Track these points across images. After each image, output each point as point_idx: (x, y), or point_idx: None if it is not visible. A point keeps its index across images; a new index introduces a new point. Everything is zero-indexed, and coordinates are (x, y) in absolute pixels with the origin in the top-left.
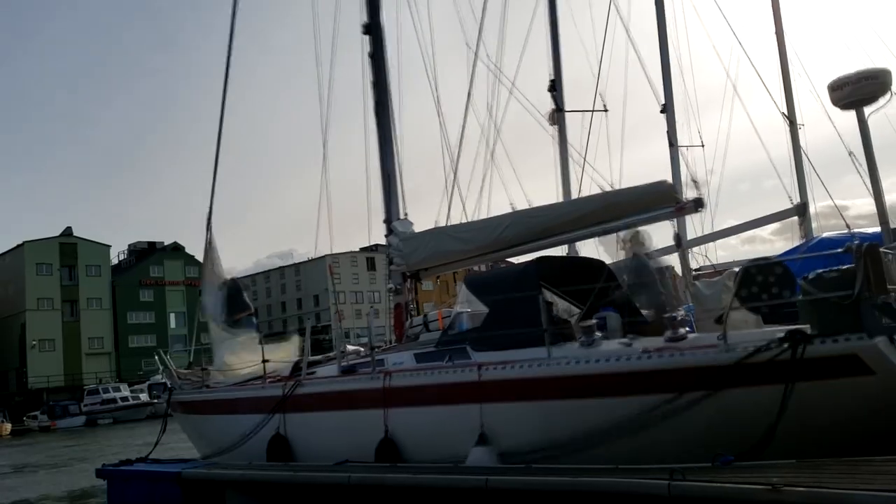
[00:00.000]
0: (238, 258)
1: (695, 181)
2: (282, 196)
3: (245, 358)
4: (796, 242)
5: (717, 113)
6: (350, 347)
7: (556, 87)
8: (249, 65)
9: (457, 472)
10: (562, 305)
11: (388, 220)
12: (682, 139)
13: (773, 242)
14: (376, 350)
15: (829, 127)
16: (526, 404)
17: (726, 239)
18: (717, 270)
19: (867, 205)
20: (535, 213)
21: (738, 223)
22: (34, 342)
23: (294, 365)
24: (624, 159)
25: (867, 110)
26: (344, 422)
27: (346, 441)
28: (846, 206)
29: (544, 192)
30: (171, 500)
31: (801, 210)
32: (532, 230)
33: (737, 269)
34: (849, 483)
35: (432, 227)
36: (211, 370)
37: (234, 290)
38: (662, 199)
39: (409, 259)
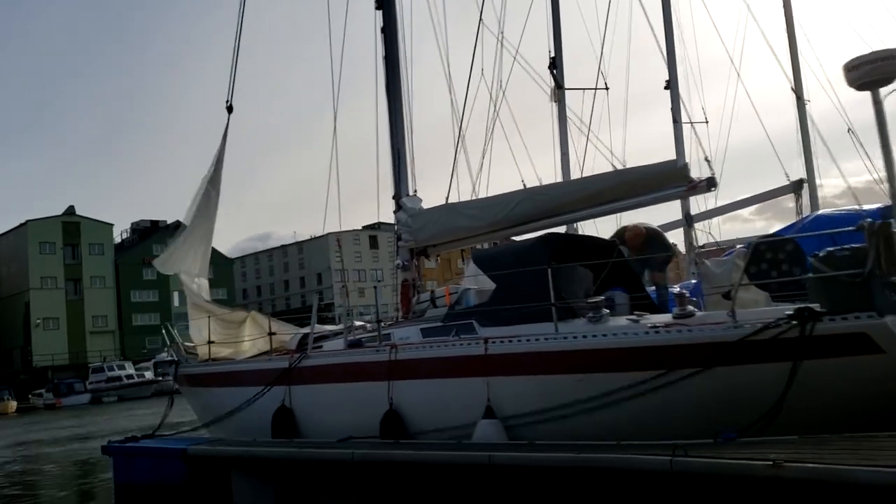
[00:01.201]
0: (215, 241)
1: (707, 160)
2: (258, 178)
3: (222, 334)
4: (776, 221)
5: (721, 87)
6: (357, 323)
7: (556, 65)
8: (248, 49)
9: (461, 448)
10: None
11: (398, 197)
12: (685, 114)
13: (753, 222)
14: (382, 325)
15: (821, 106)
16: (533, 378)
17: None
18: (721, 248)
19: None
20: (545, 190)
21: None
22: (38, 321)
23: (300, 339)
24: (629, 137)
25: (883, 91)
26: (349, 394)
27: (351, 414)
28: (820, 184)
29: (548, 167)
30: (176, 477)
31: (799, 186)
32: (542, 208)
33: (741, 246)
34: (851, 459)
35: (441, 203)
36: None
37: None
38: (675, 178)
39: (417, 235)
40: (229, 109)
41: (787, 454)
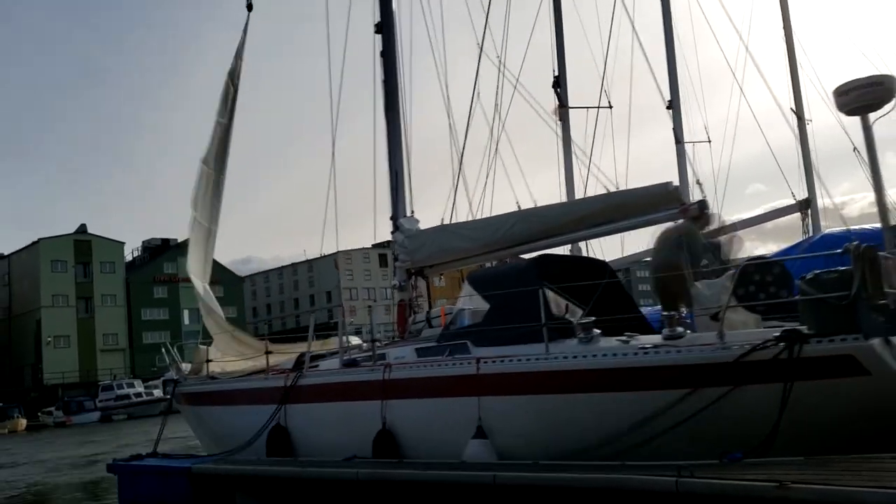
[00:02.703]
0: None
1: (699, 182)
2: (238, 202)
3: (247, 348)
4: (759, 242)
5: (724, 105)
6: (354, 340)
7: (560, 84)
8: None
9: (464, 468)
10: (562, 303)
11: (395, 218)
12: (687, 132)
13: None
14: (379, 345)
15: (829, 122)
16: (523, 398)
17: None
18: (726, 267)
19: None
20: (540, 212)
21: (742, 218)
22: (49, 338)
23: (297, 358)
24: (630, 154)
25: (872, 116)
26: (343, 413)
27: (345, 432)
28: (845, 202)
29: (548, 188)
30: (180, 495)
31: (805, 205)
32: (537, 229)
33: (731, 269)
34: (857, 481)
35: (438, 224)
36: (216, 361)
37: None
38: (666, 200)
39: (413, 256)
40: (249, 7)
41: (793, 475)
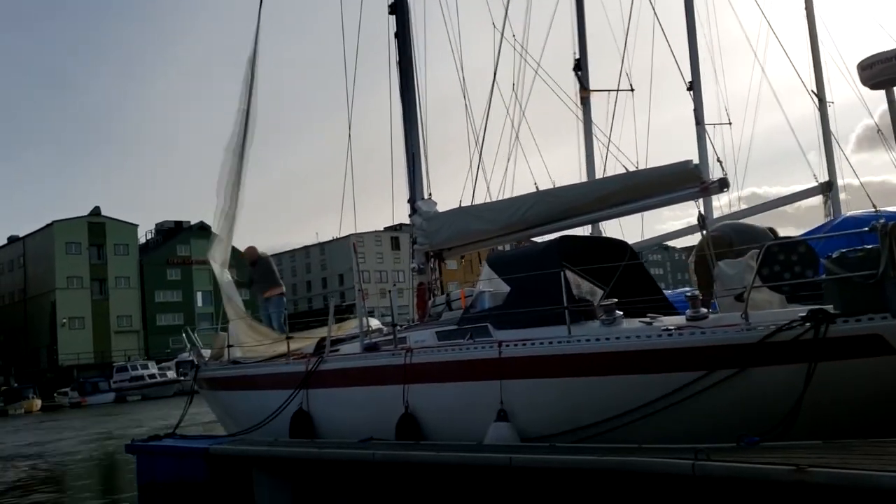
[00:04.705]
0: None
1: (720, 161)
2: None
3: (263, 336)
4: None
5: (742, 83)
6: (374, 323)
7: (581, 67)
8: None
9: (480, 450)
10: (583, 285)
11: (412, 200)
12: (709, 115)
13: None
14: (399, 328)
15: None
16: (546, 381)
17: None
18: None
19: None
20: (558, 192)
21: (763, 202)
22: (64, 320)
23: (318, 342)
24: (652, 136)
25: None
26: (365, 397)
27: (367, 417)
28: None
29: (568, 171)
30: (198, 476)
31: (827, 188)
32: (555, 210)
33: (754, 248)
34: (876, 464)
35: (456, 206)
36: (235, 347)
37: (267, 266)
38: (686, 179)
39: (432, 238)
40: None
41: (810, 459)
